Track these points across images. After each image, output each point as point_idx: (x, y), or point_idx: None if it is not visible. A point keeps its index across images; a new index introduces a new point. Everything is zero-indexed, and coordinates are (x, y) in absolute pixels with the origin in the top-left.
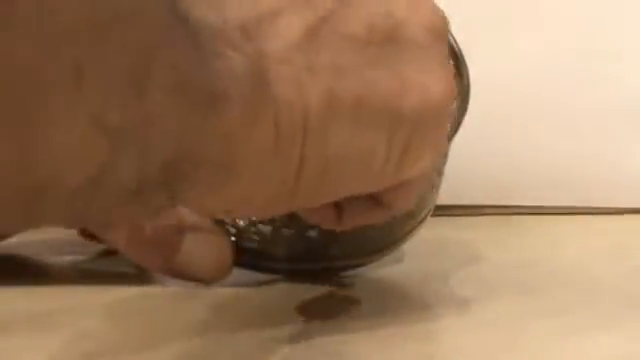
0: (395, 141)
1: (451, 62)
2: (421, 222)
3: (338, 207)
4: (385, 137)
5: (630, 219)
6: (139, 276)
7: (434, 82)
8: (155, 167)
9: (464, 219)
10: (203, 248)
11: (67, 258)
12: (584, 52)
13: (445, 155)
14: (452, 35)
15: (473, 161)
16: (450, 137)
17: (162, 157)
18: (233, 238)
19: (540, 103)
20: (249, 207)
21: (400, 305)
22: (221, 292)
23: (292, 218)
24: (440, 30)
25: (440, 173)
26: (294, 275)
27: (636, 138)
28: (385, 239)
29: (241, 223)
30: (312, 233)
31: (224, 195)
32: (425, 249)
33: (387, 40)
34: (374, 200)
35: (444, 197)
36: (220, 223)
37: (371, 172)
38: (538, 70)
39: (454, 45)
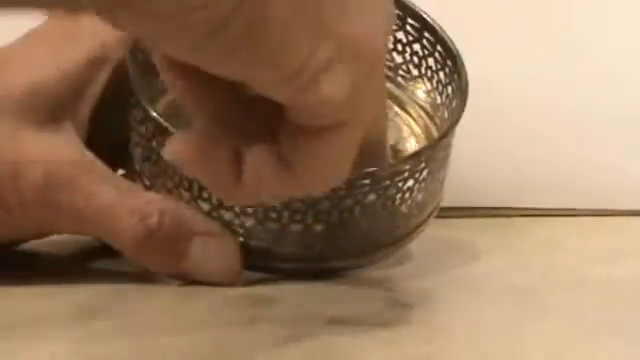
0: (319, 52)
1: (449, 63)
2: (428, 218)
3: (238, 157)
4: (312, 41)
5: (631, 221)
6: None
7: (379, 29)
8: None
9: (463, 221)
10: (212, 252)
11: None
12: (587, 55)
13: (448, 147)
14: (448, 36)
15: (473, 163)
16: (449, 130)
17: None
18: (241, 239)
19: (541, 105)
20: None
21: (398, 306)
22: (222, 291)
23: (299, 213)
24: None
25: (445, 167)
26: (301, 275)
27: (637, 140)
28: (390, 236)
29: (248, 223)
30: (318, 228)
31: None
32: (423, 251)
33: None
34: (282, 161)
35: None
36: (228, 224)
37: (285, 66)
38: (539, 72)
39: (451, 46)
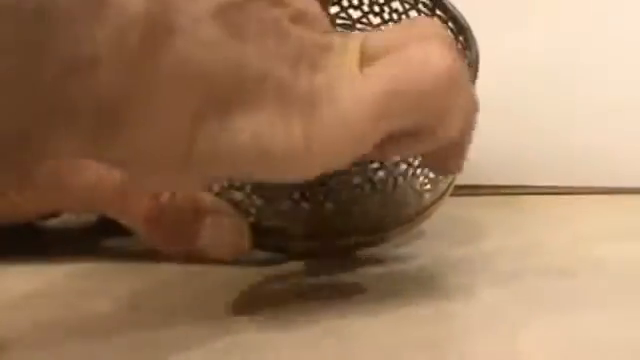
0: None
1: (460, 38)
2: (442, 196)
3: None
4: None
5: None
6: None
7: None
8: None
9: (467, 199)
10: (222, 231)
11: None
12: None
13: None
14: (459, 12)
15: (480, 141)
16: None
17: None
18: (252, 219)
19: (548, 83)
20: (138, 161)
21: (406, 287)
22: (231, 271)
23: (308, 189)
24: None
25: None
26: (312, 254)
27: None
28: (403, 214)
29: (259, 203)
30: (329, 206)
31: (112, 145)
32: (430, 229)
33: None
34: None
35: None
36: (239, 204)
37: (271, 153)
38: (546, 51)
39: (462, 21)
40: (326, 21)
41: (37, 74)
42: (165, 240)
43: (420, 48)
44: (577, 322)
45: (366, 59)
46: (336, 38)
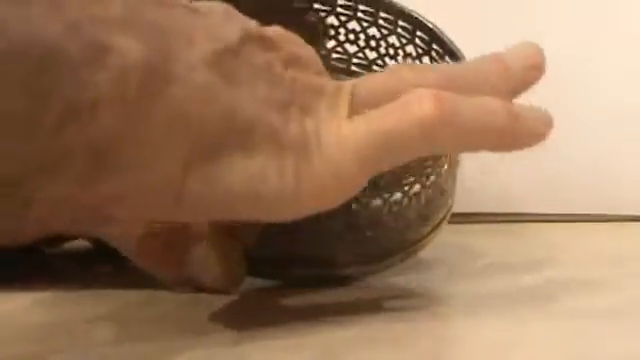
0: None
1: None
2: (435, 228)
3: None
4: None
5: (629, 227)
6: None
7: None
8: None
9: (465, 227)
10: (214, 258)
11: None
12: (586, 58)
13: (458, 162)
14: (447, 36)
15: (474, 169)
16: None
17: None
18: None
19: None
20: (130, 200)
21: (405, 308)
22: (225, 298)
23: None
24: None
25: (453, 178)
26: (308, 283)
27: (636, 145)
28: (399, 242)
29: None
30: (324, 234)
31: (99, 189)
32: (431, 257)
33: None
34: None
35: None
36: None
37: (262, 197)
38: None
39: (457, 52)
40: (320, 64)
41: (39, 119)
42: (155, 265)
43: (407, 95)
44: (578, 342)
45: (357, 104)
46: (329, 82)
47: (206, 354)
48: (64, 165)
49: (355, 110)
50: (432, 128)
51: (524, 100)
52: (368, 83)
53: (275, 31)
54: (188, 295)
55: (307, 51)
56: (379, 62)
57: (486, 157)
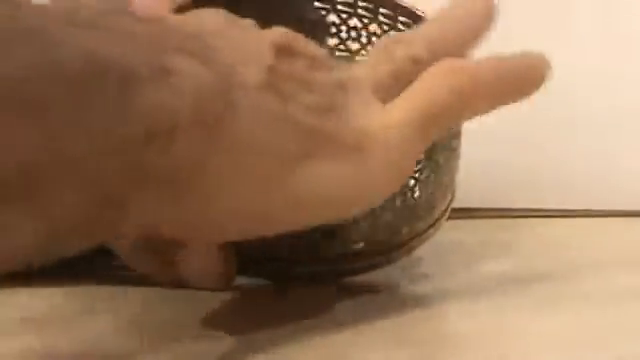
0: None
1: None
2: (437, 221)
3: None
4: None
5: (630, 222)
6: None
7: None
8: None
9: (460, 222)
10: (205, 260)
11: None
12: (586, 55)
13: (456, 156)
14: None
15: (470, 165)
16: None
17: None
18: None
19: (541, 108)
20: (207, 226)
21: (397, 308)
22: (221, 295)
23: None
24: None
25: (452, 176)
26: (301, 280)
27: (636, 140)
28: (396, 238)
29: None
30: (318, 231)
31: (183, 212)
32: (427, 252)
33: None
34: None
35: None
36: None
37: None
38: None
39: None
40: (329, 57)
41: (123, 137)
42: (147, 265)
43: (429, 74)
44: (581, 343)
45: (376, 89)
46: (345, 77)
47: (199, 354)
48: (149, 190)
49: (381, 101)
50: (464, 93)
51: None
52: (377, 72)
53: (286, 35)
54: (183, 295)
55: (316, 48)
56: None
57: (484, 154)
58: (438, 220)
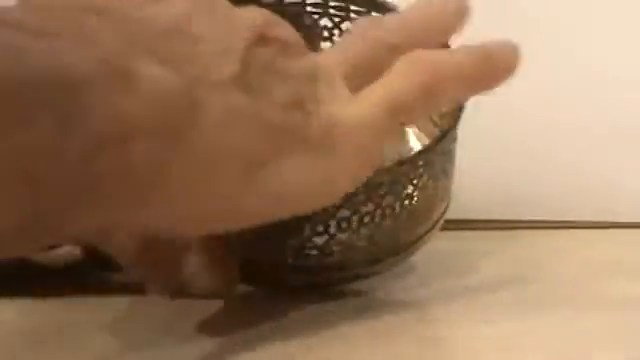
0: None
1: None
2: (433, 227)
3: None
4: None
5: (629, 234)
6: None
7: None
8: None
9: (461, 233)
10: (206, 268)
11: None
12: (584, 67)
13: (452, 160)
14: None
15: (471, 176)
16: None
17: None
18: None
19: (539, 118)
20: (175, 224)
21: (396, 316)
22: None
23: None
24: None
25: (449, 180)
26: (298, 288)
27: (635, 153)
28: (393, 245)
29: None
30: (316, 239)
31: (148, 214)
32: (425, 262)
33: None
34: None
35: None
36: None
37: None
38: (538, 85)
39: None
40: (300, 39)
41: (66, 147)
42: (151, 273)
43: (398, 66)
44: (574, 354)
45: (349, 80)
46: (316, 64)
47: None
48: (98, 195)
49: (352, 87)
50: (430, 85)
51: (524, 103)
52: (350, 58)
53: (261, 19)
54: (180, 302)
55: (286, 30)
56: None
57: (480, 166)
58: (434, 226)
